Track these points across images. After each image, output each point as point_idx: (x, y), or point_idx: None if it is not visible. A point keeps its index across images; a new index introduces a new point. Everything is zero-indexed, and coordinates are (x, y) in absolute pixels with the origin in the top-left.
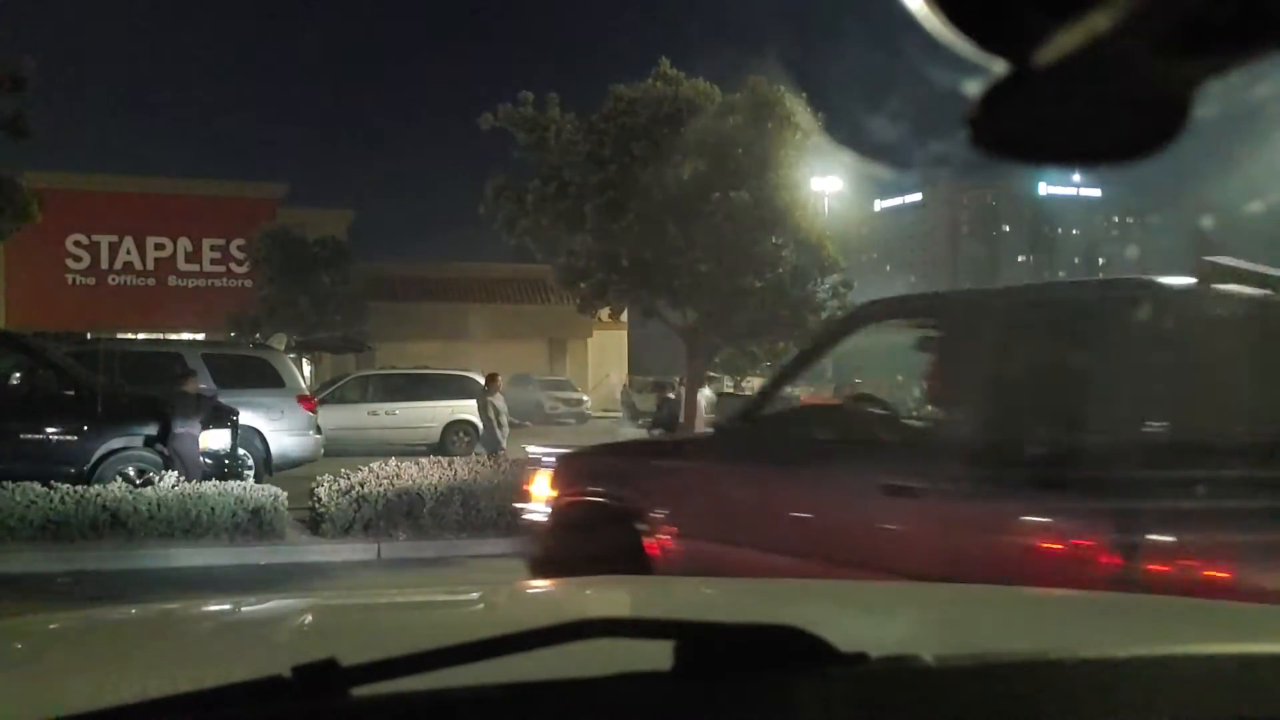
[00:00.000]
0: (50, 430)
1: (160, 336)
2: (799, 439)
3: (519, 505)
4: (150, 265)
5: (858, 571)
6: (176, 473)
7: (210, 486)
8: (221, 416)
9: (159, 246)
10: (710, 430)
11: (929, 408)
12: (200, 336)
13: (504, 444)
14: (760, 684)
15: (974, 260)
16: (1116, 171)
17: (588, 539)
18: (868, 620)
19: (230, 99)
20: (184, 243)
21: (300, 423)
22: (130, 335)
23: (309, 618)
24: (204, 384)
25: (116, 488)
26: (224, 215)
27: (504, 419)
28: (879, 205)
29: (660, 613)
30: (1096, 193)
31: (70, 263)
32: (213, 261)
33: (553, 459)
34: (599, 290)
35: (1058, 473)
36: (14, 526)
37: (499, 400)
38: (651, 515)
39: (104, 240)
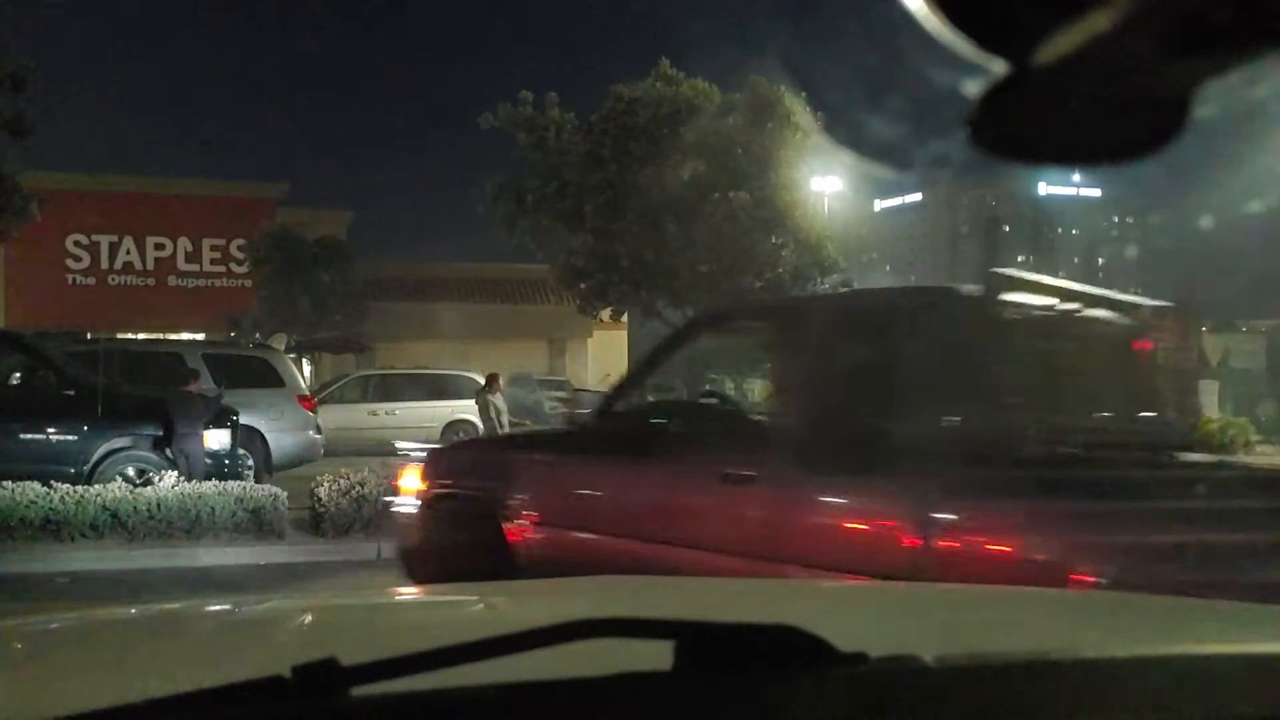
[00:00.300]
0: (50, 430)
1: (160, 336)
2: (648, 433)
3: (389, 499)
4: (150, 265)
5: (700, 553)
6: (178, 473)
7: (210, 486)
8: (222, 416)
9: (159, 246)
10: (567, 425)
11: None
12: (200, 336)
13: None
14: (760, 684)
15: (973, 260)
16: (1116, 171)
17: (454, 529)
18: (868, 620)
19: (230, 99)
20: (184, 243)
21: (300, 423)
22: (130, 335)
23: (309, 618)
24: (206, 384)
25: (116, 488)
26: (224, 215)
27: (504, 419)
28: (879, 205)
29: (659, 613)
30: (1096, 193)
31: (70, 263)
32: (213, 261)
33: (423, 454)
34: (599, 290)
35: (865, 460)
36: (14, 526)
37: (499, 400)
38: (512, 505)
39: (104, 240)
